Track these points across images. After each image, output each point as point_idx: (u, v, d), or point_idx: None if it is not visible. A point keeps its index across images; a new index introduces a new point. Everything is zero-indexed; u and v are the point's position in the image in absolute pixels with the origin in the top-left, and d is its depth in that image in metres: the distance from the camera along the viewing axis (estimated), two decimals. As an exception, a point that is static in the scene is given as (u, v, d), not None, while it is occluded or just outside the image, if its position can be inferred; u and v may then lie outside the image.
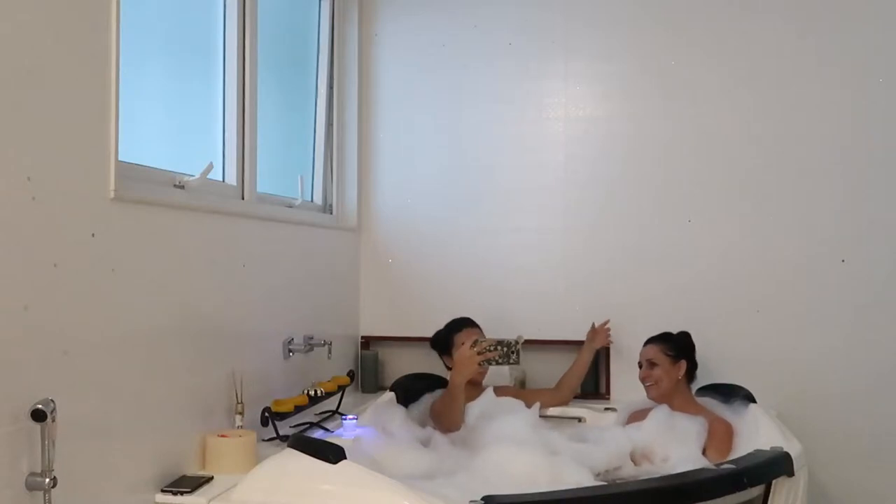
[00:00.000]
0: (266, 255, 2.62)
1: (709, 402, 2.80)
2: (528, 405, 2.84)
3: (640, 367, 2.86)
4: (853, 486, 2.98)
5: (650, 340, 2.89)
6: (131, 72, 1.96)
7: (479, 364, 2.51)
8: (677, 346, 2.84)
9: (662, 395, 2.79)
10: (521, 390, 3.07)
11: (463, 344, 2.57)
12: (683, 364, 2.81)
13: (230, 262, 2.39)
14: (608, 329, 3.13)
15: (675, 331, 2.90)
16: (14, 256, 1.53)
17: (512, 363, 2.49)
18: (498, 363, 2.49)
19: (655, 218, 3.20)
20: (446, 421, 2.59)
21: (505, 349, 2.47)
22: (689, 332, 2.88)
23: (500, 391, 2.88)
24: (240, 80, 2.62)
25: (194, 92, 2.55)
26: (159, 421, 1.99)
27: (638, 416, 2.80)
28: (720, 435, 2.61)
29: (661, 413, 2.73)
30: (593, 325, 3.12)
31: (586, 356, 3.07)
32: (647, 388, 2.84)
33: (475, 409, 2.72)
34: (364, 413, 2.75)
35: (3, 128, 1.51)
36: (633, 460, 2.60)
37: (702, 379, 2.90)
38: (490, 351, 2.49)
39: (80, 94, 1.73)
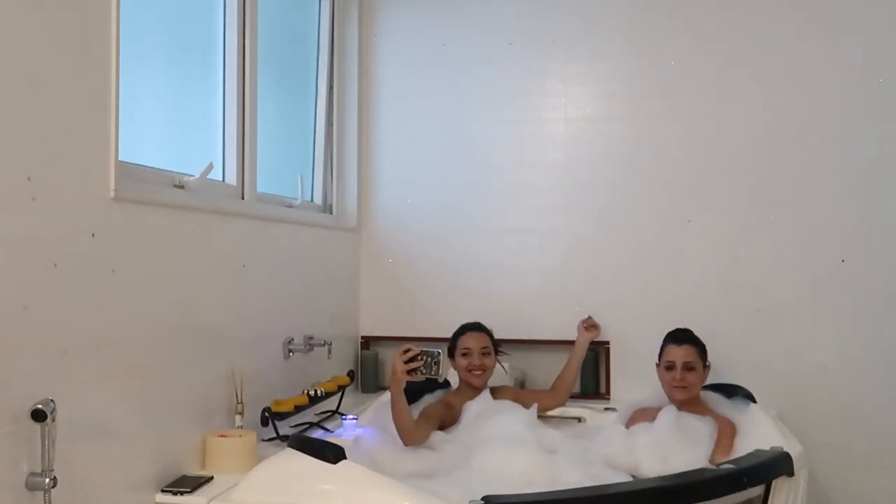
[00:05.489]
0: (266, 255, 2.62)
1: (712, 398, 2.77)
2: (526, 407, 2.83)
3: (669, 368, 2.72)
4: (853, 486, 2.98)
5: (683, 340, 2.75)
6: (131, 71, 1.96)
7: (408, 374, 2.37)
8: (705, 350, 2.76)
9: (690, 400, 2.69)
10: (519, 391, 3.06)
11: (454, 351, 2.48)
12: (709, 368, 2.77)
13: (230, 262, 2.39)
14: (596, 323, 3.10)
15: (673, 328, 2.84)
16: (14, 256, 1.53)
17: (433, 375, 2.38)
18: (423, 373, 2.38)
19: (655, 218, 3.20)
20: (397, 430, 2.46)
21: (427, 359, 2.37)
22: (692, 331, 2.85)
23: (498, 392, 2.88)
24: (240, 80, 2.62)
25: (194, 92, 2.55)
26: (159, 421, 1.99)
27: (642, 414, 2.75)
28: (727, 438, 2.56)
29: (670, 414, 2.64)
30: (582, 320, 3.11)
31: (580, 352, 3.06)
32: (676, 390, 2.69)
33: (473, 409, 2.72)
34: (364, 413, 2.76)
35: (3, 128, 1.51)
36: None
37: (702, 379, 2.90)
38: (416, 360, 2.37)
39: (80, 95, 1.73)
